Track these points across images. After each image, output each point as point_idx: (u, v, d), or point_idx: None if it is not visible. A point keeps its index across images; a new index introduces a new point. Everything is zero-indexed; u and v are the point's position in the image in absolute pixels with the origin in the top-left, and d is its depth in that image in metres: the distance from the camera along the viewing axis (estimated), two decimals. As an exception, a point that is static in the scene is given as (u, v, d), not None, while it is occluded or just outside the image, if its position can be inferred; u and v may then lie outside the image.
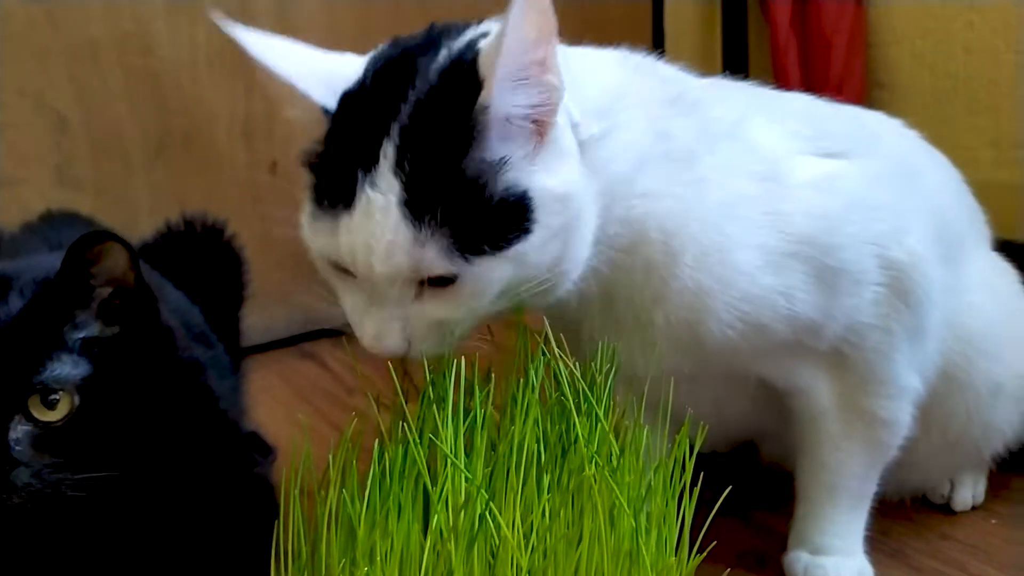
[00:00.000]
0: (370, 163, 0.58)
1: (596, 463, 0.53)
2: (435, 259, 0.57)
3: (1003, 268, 0.91)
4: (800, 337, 0.71)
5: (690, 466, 0.57)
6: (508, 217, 0.58)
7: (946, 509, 0.92)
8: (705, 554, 0.55)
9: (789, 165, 0.71)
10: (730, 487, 0.58)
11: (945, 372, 0.81)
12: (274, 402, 1.12)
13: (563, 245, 0.61)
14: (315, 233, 0.62)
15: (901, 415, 0.77)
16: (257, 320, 1.02)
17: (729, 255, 0.67)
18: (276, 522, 0.76)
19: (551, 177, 0.60)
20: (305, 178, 0.63)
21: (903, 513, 0.91)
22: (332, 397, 1.22)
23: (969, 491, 0.93)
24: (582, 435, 0.54)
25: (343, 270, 0.62)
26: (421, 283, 0.60)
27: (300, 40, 0.66)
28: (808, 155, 0.72)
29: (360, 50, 0.68)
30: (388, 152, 0.58)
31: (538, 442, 0.54)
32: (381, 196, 0.57)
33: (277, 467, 0.88)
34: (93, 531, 0.64)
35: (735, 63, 1.65)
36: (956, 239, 0.81)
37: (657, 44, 1.80)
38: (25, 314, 0.61)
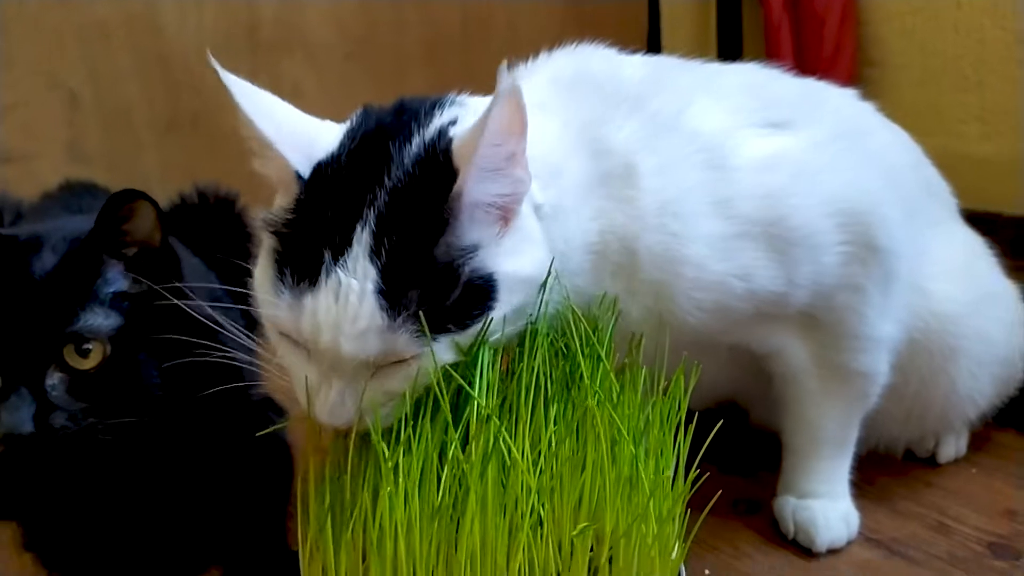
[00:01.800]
0: (341, 246, 0.57)
1: (599, 397, 0.57)
2: (406, 344, 0.57)
3: (970, 239, 0.93)
4: (766, 309, 0.73)
5: (685, 403, 0.61)
6: (474, 298, 0.58)
7: (931, 462, 0.97)
8: (703, 480, 0.58)
9: (732, 145, 0.72)
10: (721, 422, 0.62)
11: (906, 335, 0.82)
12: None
13: (520, 312, 0.62)
14: (275, 305, 0.60)
15: (878, 366, 0.80)
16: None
17: (676, 252, 0.69)
18: (291, 474, 0.80)
19: (517, 260, 0.61)
20: (267, 241, 0.62)
21: (891, 465, 0.95)
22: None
23: (952, 447, 0.97)
24: (586, 374, 0.58)
25: (296, 342, 0.61)
26: None
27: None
28: (753, 128, 0.74)
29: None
30: (363, 238, 0.57)
31: (545, 378, 0.58)
32: (356, 282, 0.56)
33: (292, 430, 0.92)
34: (122, 472, 0.69)
35: (730, 42, 1.68)
36: (912, 200, 0.82)
37: (653, 27, 1.83)
38: (60, 269, 0.64)
